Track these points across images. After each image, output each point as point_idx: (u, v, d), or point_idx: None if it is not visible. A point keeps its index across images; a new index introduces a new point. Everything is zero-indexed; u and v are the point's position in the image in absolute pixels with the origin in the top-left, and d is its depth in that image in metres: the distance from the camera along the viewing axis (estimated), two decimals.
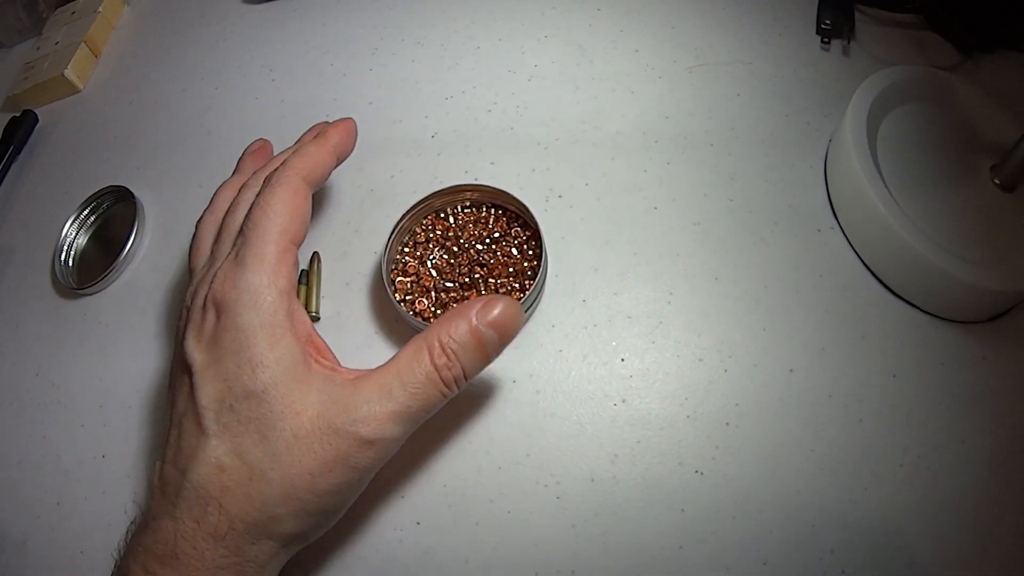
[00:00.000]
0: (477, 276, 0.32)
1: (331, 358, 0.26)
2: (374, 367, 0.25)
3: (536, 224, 0.31)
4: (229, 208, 0.28)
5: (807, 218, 0.34)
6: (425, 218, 0.34)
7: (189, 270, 0.29)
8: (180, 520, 0.22)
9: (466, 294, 0.31)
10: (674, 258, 0.33)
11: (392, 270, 0.32)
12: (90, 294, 0.38)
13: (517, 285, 0.31)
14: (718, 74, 0.38)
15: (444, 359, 0.24)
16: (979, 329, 0.31)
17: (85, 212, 0.40)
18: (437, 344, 0.24)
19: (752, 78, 0.38)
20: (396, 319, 0.33)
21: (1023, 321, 0.31)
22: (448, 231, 0.33)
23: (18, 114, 0.46)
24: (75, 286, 0.38)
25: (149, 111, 0.44)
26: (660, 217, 0.34)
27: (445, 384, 0.24)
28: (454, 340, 0.24)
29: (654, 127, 0.37)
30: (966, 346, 0.30)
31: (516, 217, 0.33)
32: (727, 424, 0.29)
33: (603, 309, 0.32)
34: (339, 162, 0.30)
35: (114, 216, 0.41)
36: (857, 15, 0.40)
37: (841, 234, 0.33)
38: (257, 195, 0.27)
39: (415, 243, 0.33)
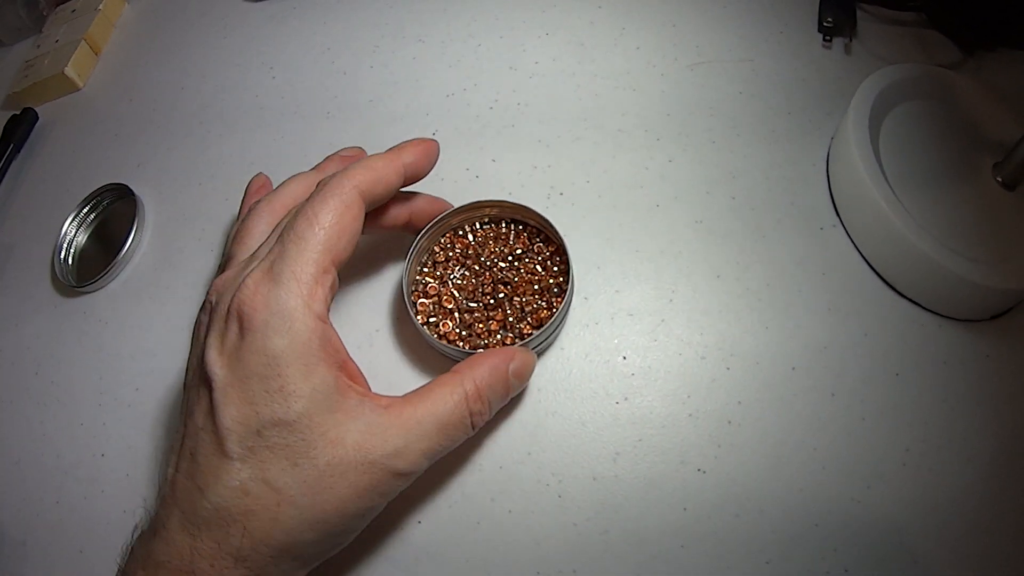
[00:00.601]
0: (501, 295, 0.31)
1: (363, 383, 0.25)
2: (401, 394, 0.25)
3: (560, 240, 0.30)
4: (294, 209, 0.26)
5: (809, 216, 0.33)
6: (443, 236, 0.33)
7: (227, 254, 0.28)
8: (199, 539, 0.22)
9: (491, 314, 0.30)
10: (676, 255, 0.33)
11: (413, 292, 0.31)
12: (90, 292, 0.38)
13: (544, 303, 0.30)
14: (720, 72, 0.38)
15: (479, 406, 0.25)
16: (982, 327, 0.31)
17: (85, 210, 0.40)
18: (475, 389, 0.25)
19: (754, 76, 0.38)
20: (415, 333, 0.33)
21: None
22: (468, 248, 0.32)
23: (18, 112, 0.46)
24: (75, 284, 0.37)
25: (149, 109, 0.44)
26: (662, 214, 0.34)
27: (473, 427, 0.26)
28: (490, 388, 0.25)
29: (656, 124, 0.37)
30: (969, 344, 0.30)
31: (538, 232, 0.32)
32: (729, 422, 0.29)
33: (605, 307, 0.32)
34: (407, 184, 0.28)
35: (114, 214, 0.41)
36: (859, 13, 0.39)
37: (843, 232, 0.33)
38: (305, 202, 0.25)
39: (434, 262, 0.32)
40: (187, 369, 0.26)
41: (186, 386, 0.25)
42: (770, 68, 0.38)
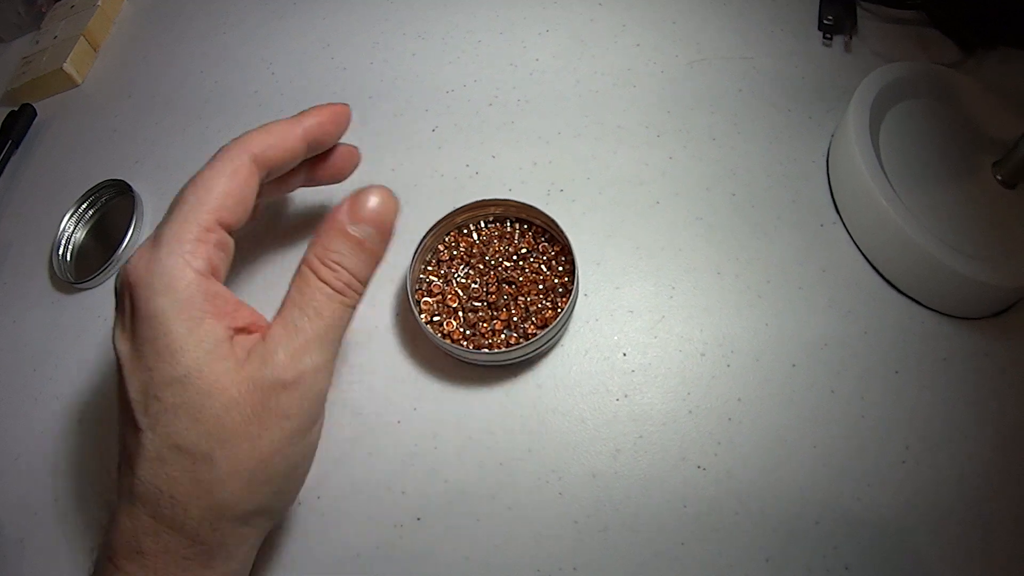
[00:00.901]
0: (506, 295, 0.31)
1: (261, 327, 0.24)
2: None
3: (566, 239, 0.30)
4: None
5: (809, 213, 0.33)
6: (447, 234, 0.33)
7: None
8: (137, 517, 0.22)
9: (495, 314, 0.30)
10: (676, 252, 0.33)
11: (417, 290, 0.31)
12: (88, 288, 0.38)
13: (548, 303, 0.30)
14: (720, 69, 0.38)
15: (328, 271, 0.24)
16: (981, 325, 0.31)
17: (83, 206, 0.40)
18: (316, 260, 0.24)
19: (754, 73, 0.38)
20: (418, 331, 0.33)
21: None
22: (472, 247, 0.32)
23: (16, 108, 0.45)
24: (73, 280, 0.37)
25: (148, 105, 0.44)
26: (662, 211, 0.34)
27: (342, 293, 0.24)
28: (331, 250, 0.24)
29: (656, 121, 0.37)
30: (968, 342, 0.30)
31: (543, 232, 0.32)
32: (729, 419, 0.29)
33: (605, 303, 0.32)
34: (313, 150, 0.28)
35: (112, 210, 0.40)
36: (859, 11, 0.40)
37: (843, 229, 0.33)
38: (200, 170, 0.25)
39: (438, 261, 0.32)
40: None
41: None
42: (770, 65, 0.38)
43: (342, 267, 0.24)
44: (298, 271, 0.24)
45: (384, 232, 0.25)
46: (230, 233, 0.25)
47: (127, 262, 0.23)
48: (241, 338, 0.23)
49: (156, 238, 0.23)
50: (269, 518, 0.24)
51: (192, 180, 0.25)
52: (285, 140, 0.26)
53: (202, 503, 0.22)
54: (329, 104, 0.28)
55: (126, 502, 0.23)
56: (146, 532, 0.22)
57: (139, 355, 0.22)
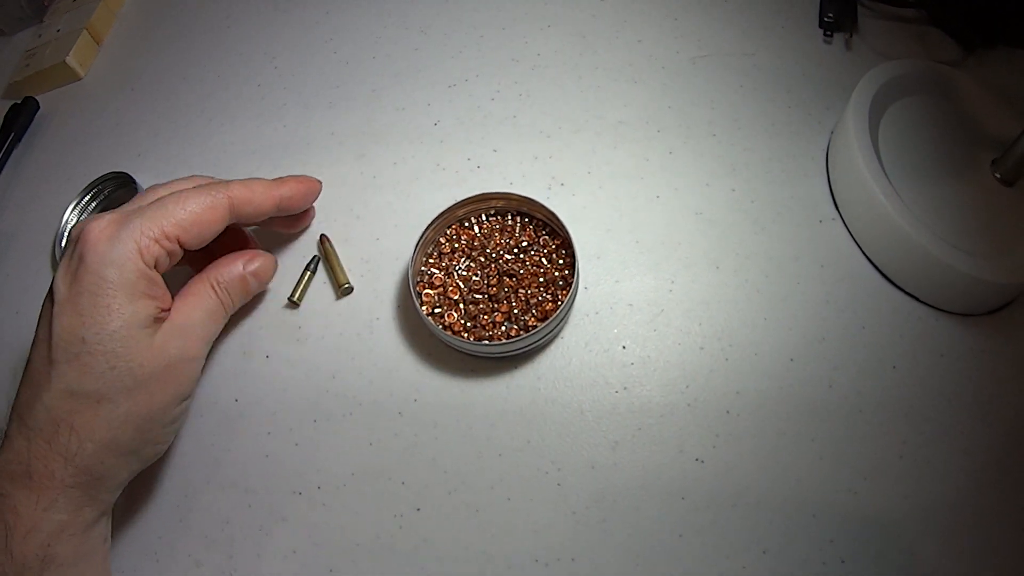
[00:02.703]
0: (507, 288, 0.31)
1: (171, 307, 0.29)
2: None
3: (567, 233, 0.30)
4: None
5: (808, 209, 0.34)
6: (449, 227, 0.33)
7: None
8: (33, 441, 0.25)
9: (496, 306, 0.31)
10: (675, 246, 0.33)
11: (418, 282, 0.32)
12: None
13: (549, 295, 0.31)
14: (721, 65, 0.38)
15: (226, 297, 0.31)
16: (979, 322, 0.31)
17: (86, 198, 0.40)
18: (216, 282, 0.31)
19: (755, 70, 0.38)
20: (419, 323, 0.33)
21: (1023, 314, 0.31)
22: (473, 240, 0.32)
23: (19, 101, 0.46)
24: None
25: (150, 98, 0.44)
26: (662, 206, 0.34)
27: (225, 309, 0.31)
28: (227, 281, 0.31)
29: (657, 116, 0.37)
30: (966, 338, 0.31)
31: (544, 225, 0.32)
32: (727, 412, 0.29)
33: (605, 297, 0.32)
34: (283, 213, 0.32)
35: (115, 202, 0.41)
36: (860, 9, 0.40)
37: (842, 225, 0.33)
38: (185, 189, 0.29)
39: (440, 253, 0.32)
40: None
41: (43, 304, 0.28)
42: (771, 62, 0.38)
43: (229, 295, 0.31)
44: (201, 282, 0.30)
45: (261, 286, 0.33)
46: (181, 247, 0.28)
47: (90, 223, 0.27)
48: (162, 318, 0.28)
49: (122, 220, 0.27)
50: (140, 461, 0.28)
51: (177, 192, 0.28)
52: (262, 203, 0.31)
53: (97, 438, 0.26)
54: (306, 180, 0.33)
55: (23, 426, 0.26)
56: (38, 457, 0.25)
57: (76, 301, 0.26)
